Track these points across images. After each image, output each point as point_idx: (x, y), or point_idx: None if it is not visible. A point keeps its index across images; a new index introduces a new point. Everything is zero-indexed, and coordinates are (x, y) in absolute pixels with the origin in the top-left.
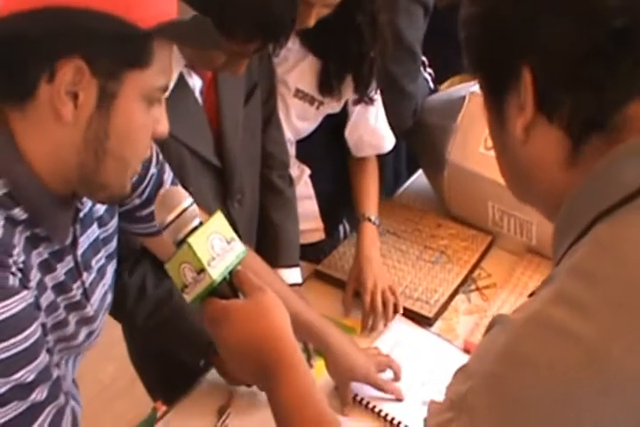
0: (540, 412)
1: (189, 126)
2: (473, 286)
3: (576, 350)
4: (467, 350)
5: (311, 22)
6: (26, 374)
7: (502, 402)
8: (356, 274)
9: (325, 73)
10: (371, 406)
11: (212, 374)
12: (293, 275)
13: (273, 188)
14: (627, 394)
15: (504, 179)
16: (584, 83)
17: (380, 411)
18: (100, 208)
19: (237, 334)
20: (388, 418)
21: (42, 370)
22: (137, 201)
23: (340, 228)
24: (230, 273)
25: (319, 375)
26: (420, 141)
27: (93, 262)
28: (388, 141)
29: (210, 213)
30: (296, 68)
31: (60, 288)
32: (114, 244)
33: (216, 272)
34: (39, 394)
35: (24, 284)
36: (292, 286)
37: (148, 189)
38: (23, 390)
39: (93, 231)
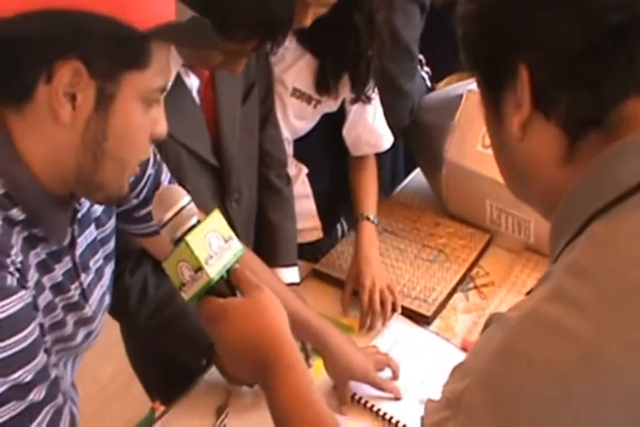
0: (537, 410)
1: (187, 126)
2: (471, 285)
3: (573, 348)
4: (465, 349)
5: (308, 21)
6: (24, 374)
7: (499, 400)
8: (354, 273)
9: (322, 72)
10: (369, 405)
11: (211, 374)
12: (291, 274)
13: (270, 187)
14: (624, 392)
15: (502, 176)
16: (581, 80)
17: (379, 410)
18: (98, 209)
19: (235, 333)
20: (387, 417)
21: (40, 370)
22: (134, 201)
23: (338, 226)
24: (228, 271)
25: (317, 374)
26: (417, 140)
27: (91, 263)
28: (385, 140)
29: (207, 212)
30: (293, 67)
31: (58, 289)
32: (112, 245)
33: (213, 271)
34: (37, 394)
35: (22, 284)
36: (289, 285)
37: (145, 190)
38: (21, 390)
39: (91, 232)
